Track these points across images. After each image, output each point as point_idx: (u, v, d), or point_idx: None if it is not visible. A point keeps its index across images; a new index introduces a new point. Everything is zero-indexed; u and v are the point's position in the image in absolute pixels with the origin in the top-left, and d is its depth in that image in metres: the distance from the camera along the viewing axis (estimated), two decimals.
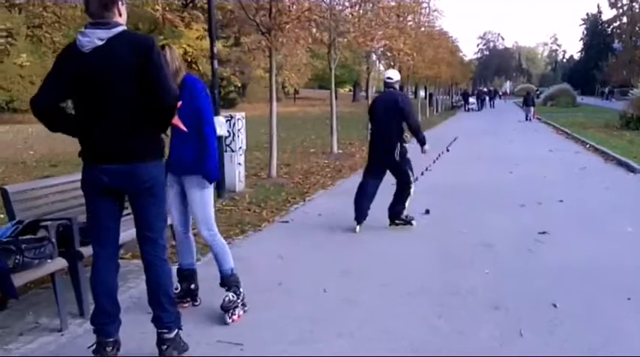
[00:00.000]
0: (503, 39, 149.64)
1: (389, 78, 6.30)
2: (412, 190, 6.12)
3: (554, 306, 3.84)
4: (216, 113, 7.55)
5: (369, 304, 3.88)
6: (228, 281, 3.70)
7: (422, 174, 10.35)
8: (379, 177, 6.12)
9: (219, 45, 33.25)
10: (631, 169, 10.97)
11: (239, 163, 8.24)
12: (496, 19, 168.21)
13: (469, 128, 23.78)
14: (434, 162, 12.39)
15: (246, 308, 3.71)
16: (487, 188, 8.94)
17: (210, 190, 3.64)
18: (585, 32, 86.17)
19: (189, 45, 30.43)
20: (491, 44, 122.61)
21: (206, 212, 3.62)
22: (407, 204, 6.11)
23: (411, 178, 6.15)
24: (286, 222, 6.33)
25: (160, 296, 2.99)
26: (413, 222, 6.16)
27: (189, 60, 32.43)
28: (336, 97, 52.53)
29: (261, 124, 26.31)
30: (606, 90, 62.39)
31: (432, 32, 27.30)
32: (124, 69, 2.74)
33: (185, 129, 3.37)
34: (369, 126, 6.75)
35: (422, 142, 6.32)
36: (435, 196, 8.12)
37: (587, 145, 15.68)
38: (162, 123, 2.94)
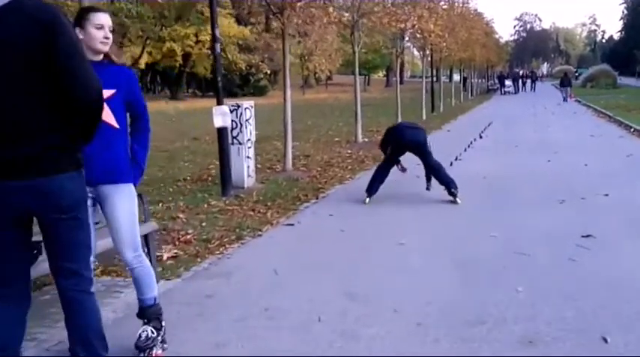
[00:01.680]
0: (540, 20, 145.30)
1: None
2: None
3: (605, 340, 3.07)
4: (219, 102, 6.91)
5: (370, 340, 3.12)
6: (149, 312, 2.99)
7: (450, 164, 9.53)
8: None
9: (246, 31, 32.83)
10: None
11: (248, 157, 7.59)
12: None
13: (505, 112, 22.62)
14: (465, 150, 11.56)
15: (165, 346, 3.01)
16: (522, 180, 8.09)
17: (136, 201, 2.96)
18: (625, 11, 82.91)
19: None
20: (528, 26, 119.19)
21: (135, 229, 2.91)
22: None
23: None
24: (291, 225, 5.63)
25: (92, 339, 2.35)
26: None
27: None
28: (368, 83, 51.86)
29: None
30: None
31: (466, 13, 26.03)
32: (18, 48, 2.07)
33: (117, 125, 2.71)
34: None
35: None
36: (463, 190, 7.31)
37: (632, 129, 14.55)
38: (84, 127, 2.24)
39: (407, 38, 17.57)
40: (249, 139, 7.61)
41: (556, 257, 4.55)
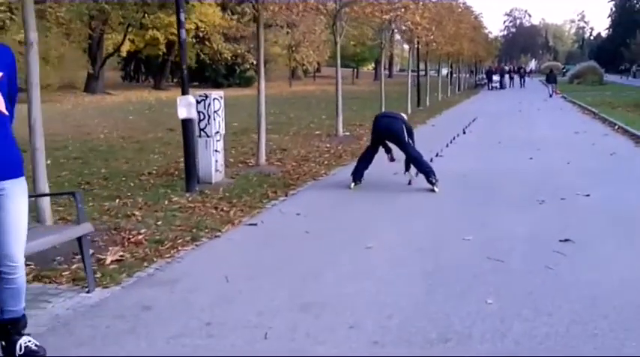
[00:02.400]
0: (530, 16, 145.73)
1: None
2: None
3: None
4: (184, 92, 6.54)
5: None
6: (22, 325, 2.67)
7: (431, 160, 9.22)
8: None
9: (232, 21, 32.18)
10: None
11: (216, 150, 7.22)
12: None
13: (490, 108, 22.38)
14: (447, 146, 11.28)
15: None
16: (502, 178, 7.82)
17: None
18: (614, 9, 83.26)
19: (201, 20, 29.36)
20: (518, 21, 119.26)
21: (25, 232, 2.55)
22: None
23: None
24: (254, 225, 5.27)
25: None
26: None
27: (201, 36, 31.41)
28: (357, 76, 51.44)
29: (272, 103, 25.38)
30: (632, 68, 60.36)
31: (454, 6, 25.71)
32: None
33: (7, 112, 2.35)
34: None
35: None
36: (441, 188, 7.04)
37: (616, 126, 14.36)
38: None
39: (393, 30, 17.14)
40: (217, 132, 7.23)
41: (531, 264, 4.26)
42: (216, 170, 7.25)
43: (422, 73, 28.77)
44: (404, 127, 7.12)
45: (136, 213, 5.46)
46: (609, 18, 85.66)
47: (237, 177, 7.60)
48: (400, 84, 31.60)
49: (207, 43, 31.62)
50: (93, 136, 11.77)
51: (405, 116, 7.55)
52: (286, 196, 6.55)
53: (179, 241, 4.62)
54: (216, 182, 7.12)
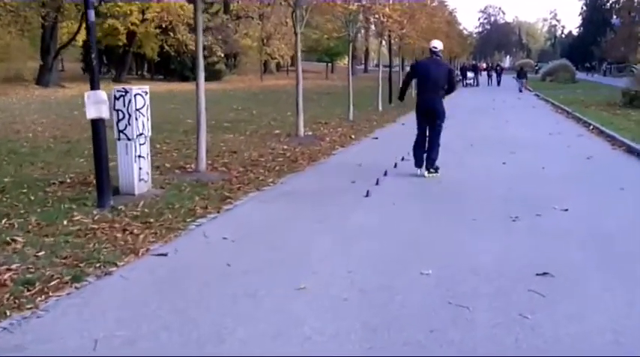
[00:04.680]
0: (504, 13, 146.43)
1: (435, 47, 8.09)
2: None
3: None
4: (93, 87, 5.47)
5: None
6: None
7: (395, 166, 8.34)
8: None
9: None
10: None
11: (140, 156, 6.15)
12: None
13: (464, 104, 21.61)
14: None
15: None
16: (472, 187, 6.96)
17: None
18: (584, 7, 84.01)
19: (162, 9, 27.91)
20: (492, 18, 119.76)
21: None
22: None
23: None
24: (164, 255, 4.22)
25: None
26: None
27: (163, 26, 29.97)
28: (332, 71, 50.30)
29: (238, 98, 24.21)
30: (602, 66, 61.31)
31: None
32: None
33: None
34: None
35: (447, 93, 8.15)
36: (403, 202, 6.11)
37: (591, 127, 13.73)
38: None
39: (362, 23, 16.14)
40: (141, 134, 6.16)
41: (503, 312, 3.36)
42: (140, 179, 6.19)
43: (399, 68, 27.98)
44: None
45: (19, 239, 4.35)
46: (580, 16, 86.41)
47: (168, 186, 6.55)
48: (375, 79, 30.72)
49: (171, 33, 30.20)
50: (20, 135, 10.51)
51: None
52: (218, 212, 5.52)
53: (54, 282, 3.55)
54: (140, 194, 6.06)
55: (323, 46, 43.89)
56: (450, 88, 8.02)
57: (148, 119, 6.29)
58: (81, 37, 26.31)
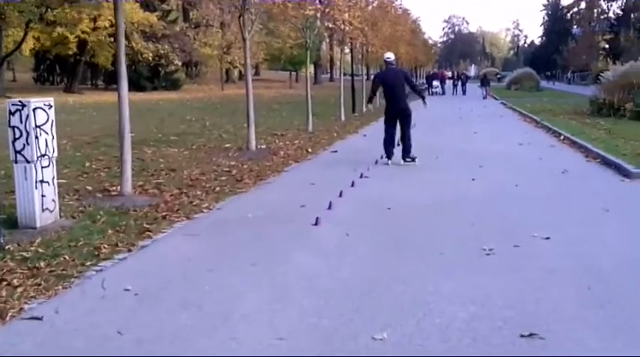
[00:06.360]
0: (468, 23, 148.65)
1: (388, 58, 9.51)
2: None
3: None
4: None
5: None
6: None
7: (352, 185, 7.43)
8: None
9: (152, 17, 29.60)
10: (624, 173, 8.29)
11: (42, 181, 5.08)
12: (461, 3, 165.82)
13: (430, 113, 20.84)
14: (376, 163, 9.53)
15: None
16: (438, 212, 6.07)
17: None
18: (546, 17, 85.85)
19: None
20: (457, 28, 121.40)
21: None
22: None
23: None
24: (38, 319, 3.16)
25: None
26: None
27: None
28: (297, 80, 49.29)
29: (194, 109, 23.04)
30: (567, 73, 62.75)
31: (387, 5, 24.28)
32: None
33: None
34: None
35: (423, 98, 10.01)
36: (357, 233, 5.18)
37: (562, 137, 13.13)
38: None
39: (318, 29, 15.28)
40: (44, 155, 5.10)
41: None
42: (45, 209, 5.11)
43: (364, 77, 27.25)
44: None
45: None
46: (542, 26, 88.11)
47: (80, 216, 5.48)
48: (339, 88, 29.97)
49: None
50: None
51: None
52: (130, 250, 4.48)
53: None
54: (43, 227, 4.99)
55: (286, 54, 42.98)
56: (413, 88, 10.12)
57: (53, 138, 5.23)
58: (28, 46, 24.80)
